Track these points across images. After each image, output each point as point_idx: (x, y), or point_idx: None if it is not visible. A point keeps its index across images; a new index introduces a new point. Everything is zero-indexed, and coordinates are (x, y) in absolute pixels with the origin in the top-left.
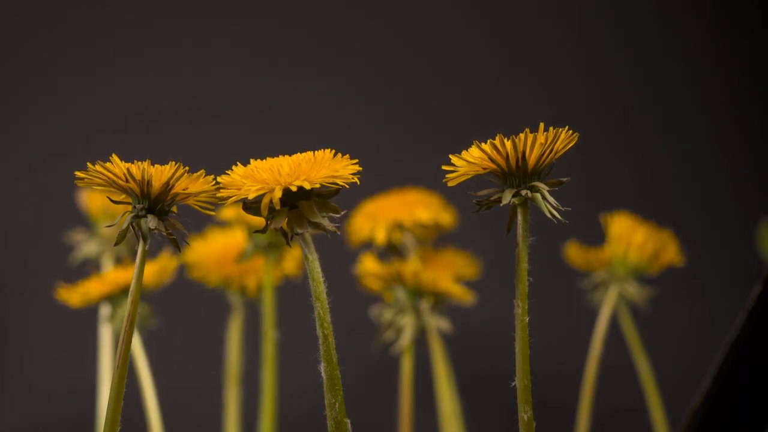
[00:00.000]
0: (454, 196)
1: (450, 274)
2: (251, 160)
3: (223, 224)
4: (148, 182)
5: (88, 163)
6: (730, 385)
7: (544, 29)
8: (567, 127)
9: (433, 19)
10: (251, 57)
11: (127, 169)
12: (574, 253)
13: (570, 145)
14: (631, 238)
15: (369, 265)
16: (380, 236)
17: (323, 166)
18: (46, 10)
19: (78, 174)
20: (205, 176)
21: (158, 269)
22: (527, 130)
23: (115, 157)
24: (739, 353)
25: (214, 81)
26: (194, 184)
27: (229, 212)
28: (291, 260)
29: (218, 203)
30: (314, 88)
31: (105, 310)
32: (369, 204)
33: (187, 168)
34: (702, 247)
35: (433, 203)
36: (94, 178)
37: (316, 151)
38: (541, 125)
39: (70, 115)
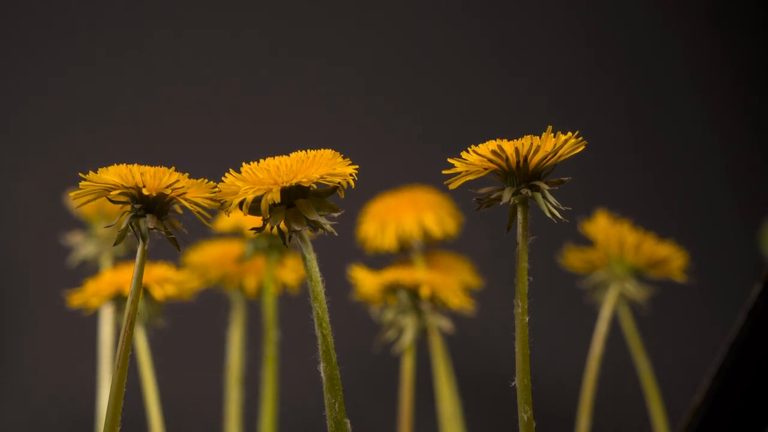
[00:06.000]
0: (454, 193)
1: (454, 279)
2: (243, 164)
3: (220, 236)
4: (144, 187)
5: (80, 174)
6: (730, 385)
7: (546, 29)
8: (577, 132)
9: (441, 17)
10: (261, 55)
11: (121, 185)
12: (573, 256)
13: (576, 152)
14: (621, 238)
15: (365, 280)
16: (391, 245)
17: (321, 164)
18: (44, 10)
19: (71, 195)
20: (206, 182)
21: (177, 286)
22: (531, 136)
23: (101, 171)
24: (739, 353)
25: (218, 81)
26: (193, 190)
27: (224, 223)
28: (291, 272)
29: (216, 210)
30: (317, 89)
31: (110, 308)
32: (377, 204)
33: (186, 175)
34: (702, 246)
35: (441, 205)
36: (88, 188)
37: (315, 150)
38: (549, 128)
39: (67, 116)
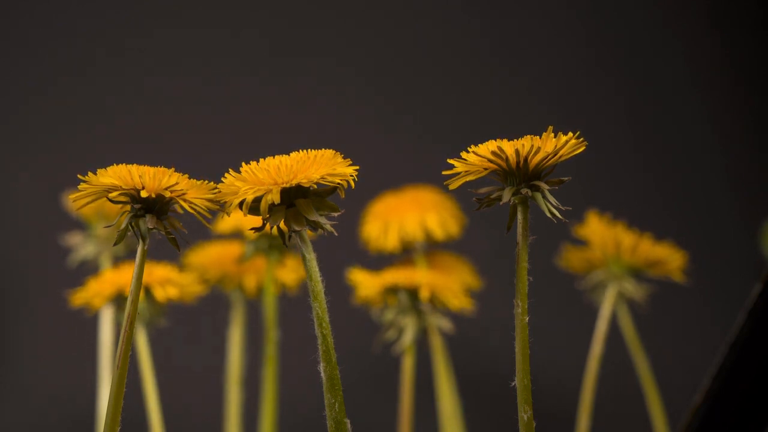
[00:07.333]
0: (456, 193)
1: (455, 280)
2: (243, 164)
3: (219, 237)
4: (143, 188)
5: (79, 176)
6: (730, 385)
7: (546, 29)
8: (578, 133)
9: (441, 17)
10: (261, 55)
11: (120, 187)
12: (571, 256)
13: (576, 152)
14: (616, 240)
15: (364, 283)
16: (394, 246)
17: (321, 165)
18: (44, 10)
19: (71, 197)
20: (206, 183)
21: (179, 288)
22: (531, 136)
23: (100, 173)
24: (739, 353)
25: (218, 81)
26: (193, 191)
27: (225, 225)
28: (291, 272)
29: (217, 210)
30: (317, 89)
31: (110, 308)
32: (379, 203)
33: (185, 176)
34: (702, 246)
35: (444, 206)
36: (87, 191)
37: (315, 150)
38: (550, 129)
39: (67, 116)
